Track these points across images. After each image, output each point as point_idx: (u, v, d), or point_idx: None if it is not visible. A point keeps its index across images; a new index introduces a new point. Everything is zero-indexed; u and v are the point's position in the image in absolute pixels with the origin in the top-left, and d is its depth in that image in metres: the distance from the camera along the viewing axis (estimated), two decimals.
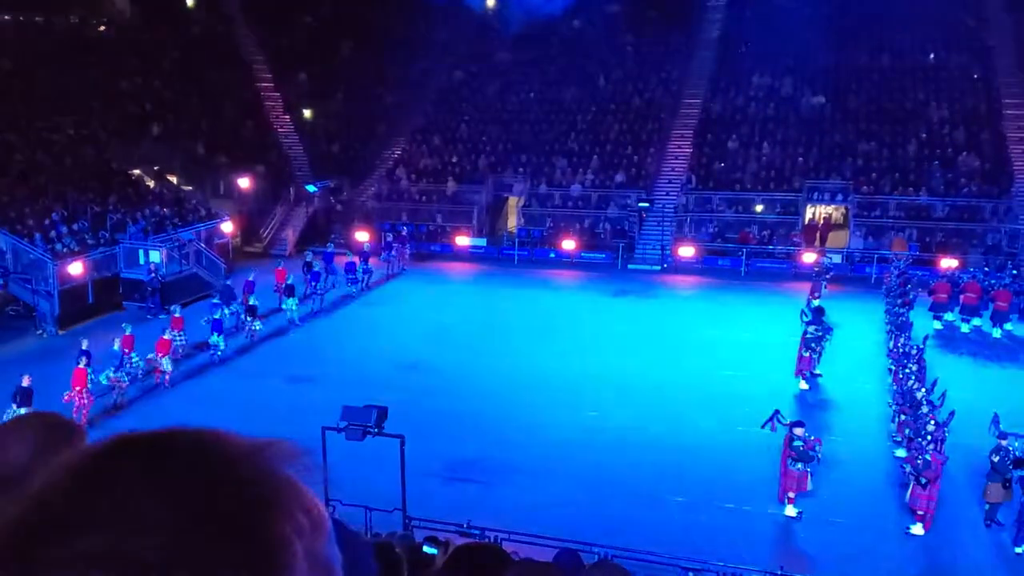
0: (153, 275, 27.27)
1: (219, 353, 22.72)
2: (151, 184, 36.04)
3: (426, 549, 5.04)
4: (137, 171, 36.67)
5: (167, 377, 20.96)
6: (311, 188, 37.72)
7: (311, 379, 21.44)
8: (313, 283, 27.79)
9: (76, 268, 26.87)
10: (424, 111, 42.67)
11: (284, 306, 26.03)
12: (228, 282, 25.91)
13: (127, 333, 20.89)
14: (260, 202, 38.44)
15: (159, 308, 27.28)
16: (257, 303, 24.59)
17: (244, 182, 37.34)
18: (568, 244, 34.40)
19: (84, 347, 19.68)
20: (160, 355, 20.85)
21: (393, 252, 32.55)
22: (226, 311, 24.10)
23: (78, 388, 18.33)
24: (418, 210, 38.18)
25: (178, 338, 22.08)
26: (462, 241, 35.08)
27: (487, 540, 11.48)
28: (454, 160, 39.57)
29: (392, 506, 12.79)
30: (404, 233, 34.51)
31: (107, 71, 40.61)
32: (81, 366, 18.59)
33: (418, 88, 44.40)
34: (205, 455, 0.79)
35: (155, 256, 28.19)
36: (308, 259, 29.20)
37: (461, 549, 2.50)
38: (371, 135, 42.15)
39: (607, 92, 40.79)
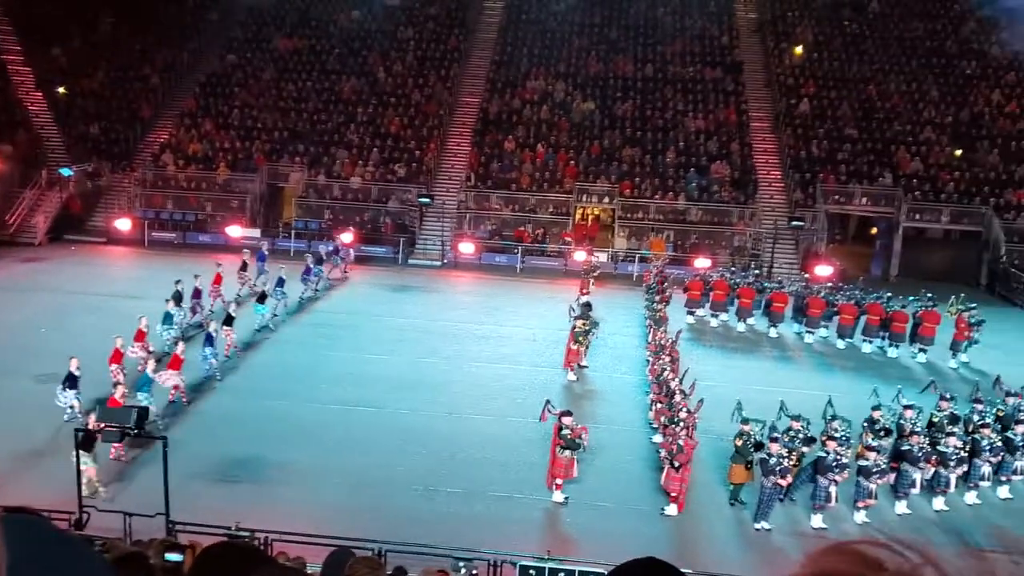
0: None
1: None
2: None
3: (167, 557, 4.71)
4: None
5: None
6: (66, 171, 34.82)
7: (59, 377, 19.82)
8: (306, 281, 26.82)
9: None
10: (194, 94, 40.59)
11: (257, 311, 23.66)
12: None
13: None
14: (6, 185, 35.00)
15: None
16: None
17: None
18: (347, 237, 33.91)
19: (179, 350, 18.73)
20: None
21: (339, 256, 30.72)
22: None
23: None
24: (185, 198, 36.37)
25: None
26: (234, 231, 33.58)
27: (255, 541, 11.18)
28: (225, 146, 37.96)
29: (155, 511, 12.14)
30: (348, 239, 32.25)
31: None
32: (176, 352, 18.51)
33: (187, 70, 42.20)
34: None
35: None
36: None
37: (206, 550, 2.40)
38: (135, 117, 39.57)
39: (387, 85, 40.65)
